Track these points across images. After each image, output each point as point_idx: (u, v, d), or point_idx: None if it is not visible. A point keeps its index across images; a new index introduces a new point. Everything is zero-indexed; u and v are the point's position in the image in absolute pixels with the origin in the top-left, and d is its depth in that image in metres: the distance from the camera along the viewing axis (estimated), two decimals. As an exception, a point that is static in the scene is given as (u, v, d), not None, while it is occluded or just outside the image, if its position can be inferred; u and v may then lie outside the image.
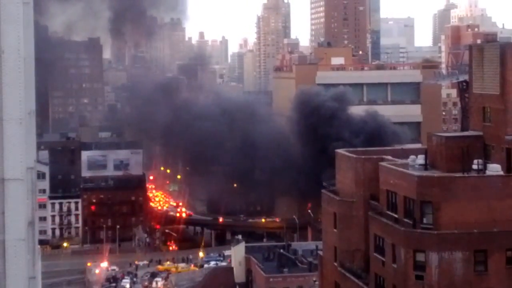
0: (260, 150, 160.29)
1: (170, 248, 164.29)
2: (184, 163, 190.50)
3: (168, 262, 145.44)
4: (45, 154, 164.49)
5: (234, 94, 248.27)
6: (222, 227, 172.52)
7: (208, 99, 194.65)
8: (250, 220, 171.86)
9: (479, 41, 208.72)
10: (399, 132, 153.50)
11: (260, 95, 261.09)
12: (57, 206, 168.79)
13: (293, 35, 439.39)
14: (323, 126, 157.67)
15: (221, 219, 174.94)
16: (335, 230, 55.89)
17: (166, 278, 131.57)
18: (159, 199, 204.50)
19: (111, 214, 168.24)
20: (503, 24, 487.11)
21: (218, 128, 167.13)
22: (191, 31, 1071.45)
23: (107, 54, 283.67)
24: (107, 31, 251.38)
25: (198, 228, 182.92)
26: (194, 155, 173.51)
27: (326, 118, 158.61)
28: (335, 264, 55.99)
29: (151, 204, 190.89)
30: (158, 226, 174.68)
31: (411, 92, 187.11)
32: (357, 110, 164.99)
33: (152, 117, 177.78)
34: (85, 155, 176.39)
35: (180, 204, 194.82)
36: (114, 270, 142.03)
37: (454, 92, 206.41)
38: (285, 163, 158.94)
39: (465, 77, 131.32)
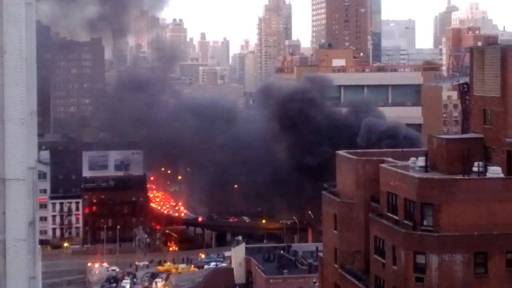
0: (244, 153, 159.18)
1: (171, 248, 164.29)
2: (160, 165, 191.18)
3: (168, 263, 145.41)
4: (46, 154, 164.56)
5: (212, 94, 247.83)
6: (223, 228, 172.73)
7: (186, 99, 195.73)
8: (220, 220, 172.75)
9: (480, 44, 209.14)
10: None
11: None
12: (57, 206, 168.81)
13: (294, 37, 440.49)
14: (296, 128, 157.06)
15: (200, 219, 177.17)
16: (335, 231, 55.91)
17: (166, 279, 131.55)
18: (160, 200, 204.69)
19: (112, 214, 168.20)
20: (504, 27, 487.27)
21: (200, 129, 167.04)
22: (193, 31, 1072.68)
23: (108, 54, 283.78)
24: (108, 31, 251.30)
25: (199, 229, 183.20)
26: (171, 156, 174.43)
27: (298, 118, 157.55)
28: (335, 265, 56.01)
29: (152, 204, 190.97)
30: (158, 227, 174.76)
31: (411, 94, 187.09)
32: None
33: (122, 116, 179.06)
34: (86, 155, 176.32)
35: (180, 204, 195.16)
36: (114, 270, 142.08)
37: (454, 94, 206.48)
38: (271, 169, 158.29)
39: (466, 79, 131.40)
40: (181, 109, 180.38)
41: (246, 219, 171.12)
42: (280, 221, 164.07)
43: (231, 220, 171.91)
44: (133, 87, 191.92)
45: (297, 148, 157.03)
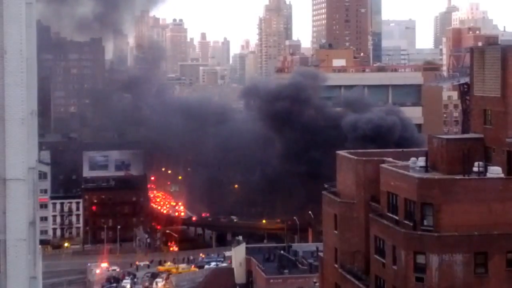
0: (240, 153, 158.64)
1: (171, 248, 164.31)
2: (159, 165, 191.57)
3: (168, 263, 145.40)
4: (46, 154, 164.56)
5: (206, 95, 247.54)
6: (223, 228, 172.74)
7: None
8: (212, 219, 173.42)
9: (480, 44, 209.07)
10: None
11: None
12: (58, 206, 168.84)
13: (294, 37, 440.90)
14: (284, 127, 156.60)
15: (194, 218, 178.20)
16: (335, 231, 55.93)
17: (166, 279, 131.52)
18: (160, 200, 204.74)
19: (112, 214, 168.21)
20: (504, 27, 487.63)
21: (197, 130, 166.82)
22: (193, 31, 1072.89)
23: (109, 55, 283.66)
24: (109, 31, 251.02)
25: (199, 229, 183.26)
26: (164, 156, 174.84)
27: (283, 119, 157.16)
28: (336, 265, 56.04)
29: (152, 204, 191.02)
30: (159, 227, 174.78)
31: (412, 94, 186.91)
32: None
33: (118, 116, 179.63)
34: (86, 155, 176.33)
35: (180, 204, 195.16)
36: (114, 270, 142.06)
37: (455, 95, 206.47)
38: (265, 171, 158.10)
39: (466, 79, 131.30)
40: (178, 110, 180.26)
41: (234, 218, 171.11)
42: (263, 221, 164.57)
43: (222, 219, 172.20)
44: (125, 87, 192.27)
45: (288, 152, 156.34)
